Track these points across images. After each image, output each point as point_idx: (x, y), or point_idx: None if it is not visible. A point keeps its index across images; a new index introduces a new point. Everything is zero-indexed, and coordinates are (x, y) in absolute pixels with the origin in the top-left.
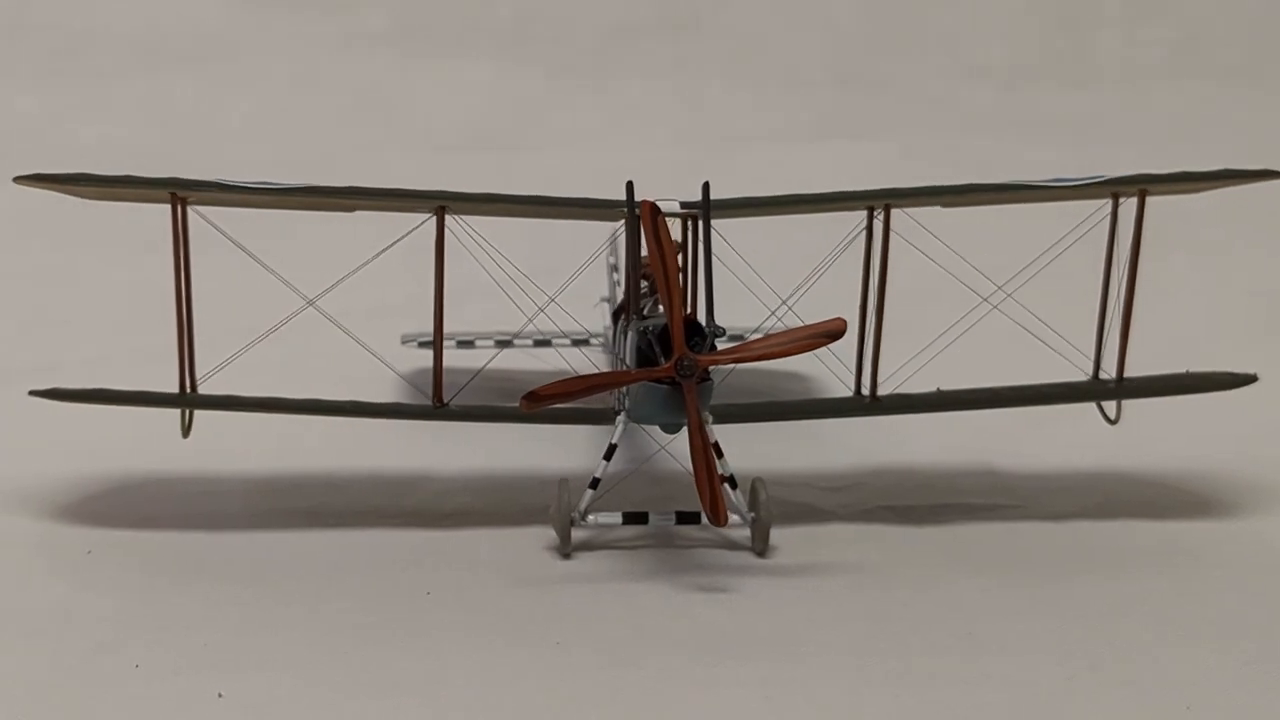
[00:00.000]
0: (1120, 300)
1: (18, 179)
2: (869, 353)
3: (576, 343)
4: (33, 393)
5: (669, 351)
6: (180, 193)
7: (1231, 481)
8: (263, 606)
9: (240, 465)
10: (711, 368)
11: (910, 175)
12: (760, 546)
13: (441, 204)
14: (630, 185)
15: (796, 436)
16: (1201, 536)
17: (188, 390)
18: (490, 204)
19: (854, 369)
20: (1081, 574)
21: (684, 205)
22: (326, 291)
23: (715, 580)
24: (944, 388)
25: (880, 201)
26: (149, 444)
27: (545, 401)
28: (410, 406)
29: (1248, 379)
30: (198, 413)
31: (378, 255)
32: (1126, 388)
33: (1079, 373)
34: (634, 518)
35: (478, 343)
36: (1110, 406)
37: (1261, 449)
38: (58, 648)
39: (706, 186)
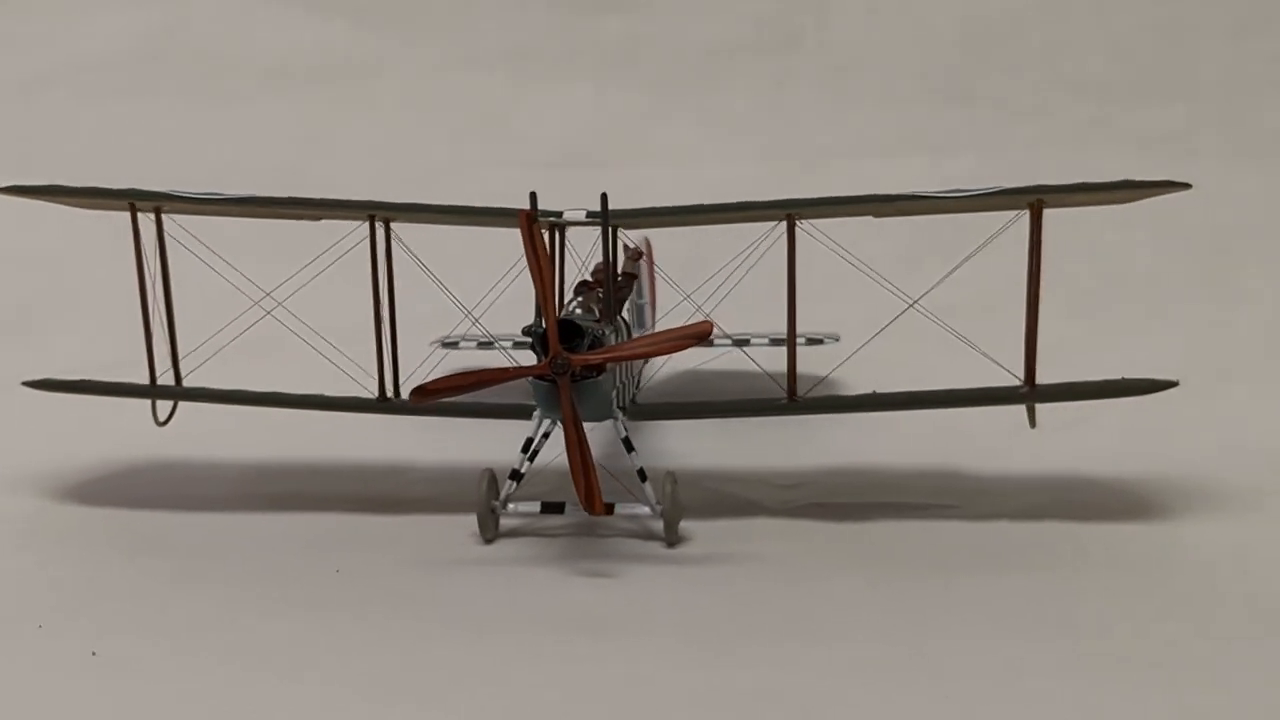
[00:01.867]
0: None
1: (4, 189)
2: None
3: None
4: (25, 383)
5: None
6: (137, 202)
7: (1165, 486)
8: (177, 580)
9: (229, 453)
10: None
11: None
12: (670, 537)
13: (372, 213)
14: (533, 196)
15: (774, 434)
16: (1110, 538)
17: (156, 383)
18: (421, 214)
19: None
20: (966, 572)
21: (589, 215)
22: (282, 289)
23: (606, 566)
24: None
25: (784, 212)
26: (151, 433)
27: (434, 395)
28: (354, 399)
29: (1167, 384)
30: (192, 405)
31: (315, 260)
32: (1040, 393)
33: (1011, 378)
34: (551, 507)
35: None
36: (1038, 410)
37: (1203, 453)
38: None
39: (604, 198)
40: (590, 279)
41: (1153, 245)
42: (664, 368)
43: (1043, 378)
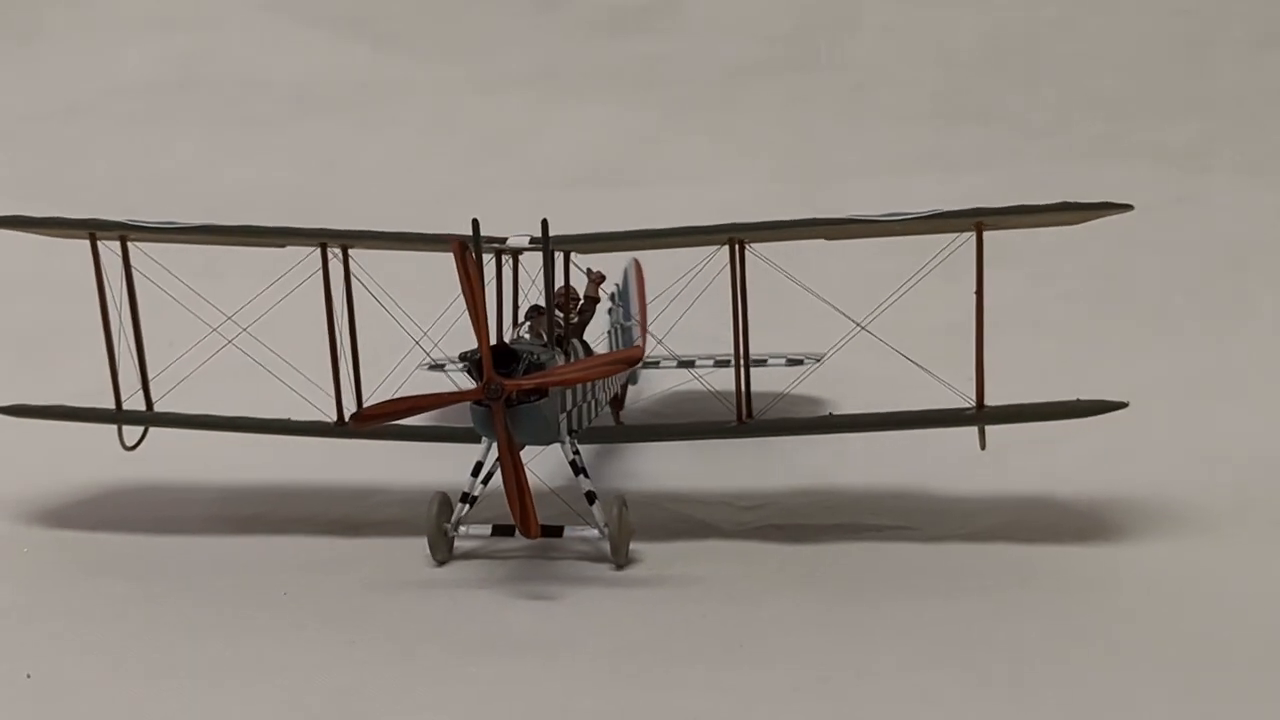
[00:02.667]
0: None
1: None
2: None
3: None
4: (3, 410)
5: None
6: (97, 232)
7: (1128, 508)
8: (128, 602)
9: (198, 477)
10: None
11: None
12: (618, 559)
13: (324, 241)
14: (476, 223)
15: (745, 456)
16: (1060, 560)
17: (123, 408)
18: (370, 240)
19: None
20: (905, 595)
21: (532, 241)
22: (249, 316)
23: (550, 589)
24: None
25: (726, 236)
26: (124, 458)
27: (372, 421)
28: (314, 424)
29: (1117, 405)
30: (164, 430)
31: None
32: (988, 415)
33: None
34: (502, 530)
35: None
36: (988, 432)
37: (1177, 474)
38: None
39: (545, 224)
40: (541, 305)
41: (1161, 262)
42: (657, 389)
43: (1036, 398)
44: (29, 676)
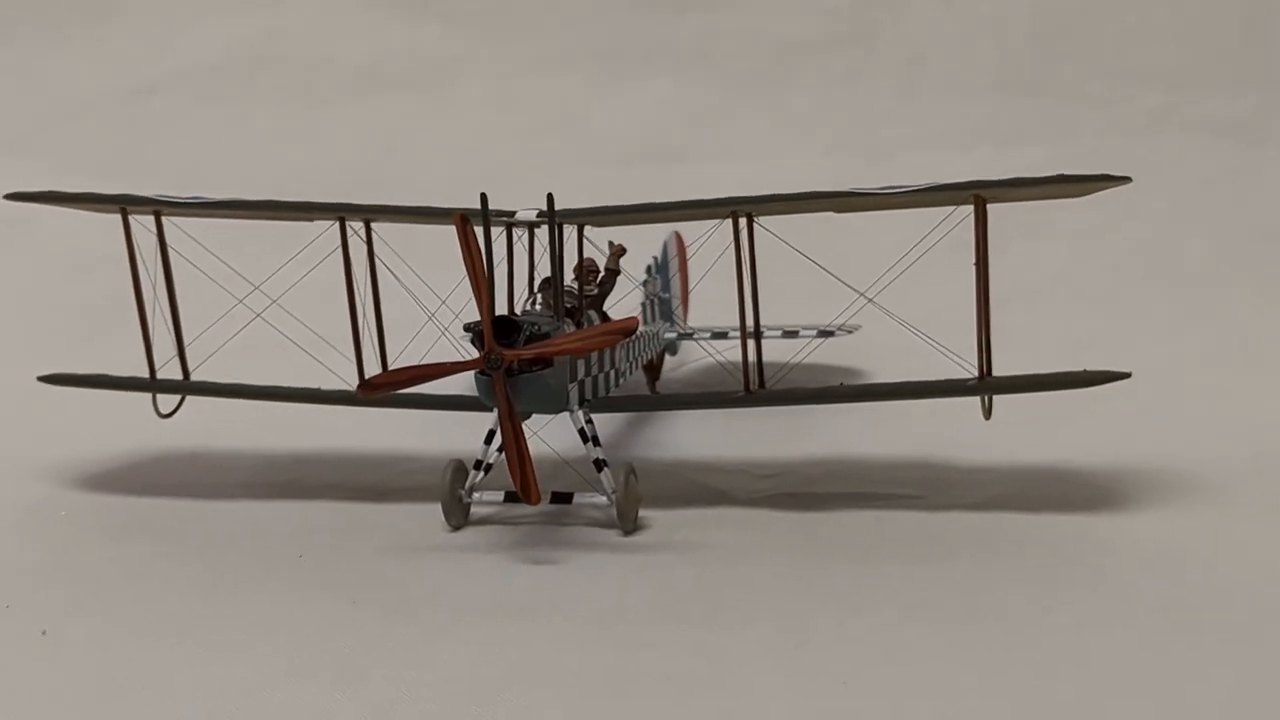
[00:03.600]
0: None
1: (8, 195)
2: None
3: None
4: (40, 378)
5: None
6: (128, 207)
7: (1135, 480)
8: (144, 562)
9: (236, 444)
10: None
11: None
12: (625, 525)
13: (342, 215)
14: (484, 196)
15: (774, 425)
16: (1057, 529)
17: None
18: (386, 215)
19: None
20: (898, 560)
21: (539, 214)
22: (278, 289)
23: (553, 554)
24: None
25: (729, 209)
26: (164, 425)
27: (379, 389)
28: (337, 393)
29: (1120, 376)
30: (213, 402)
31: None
32: (990, 385)
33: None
34: (514, 496)
35: None
36: (1006, 402)
37: (1196, 447)
38: None
39: (550, 198)
40: (573, 274)
41: (1212, 234)
42: (701, 360)
43: (1072, 368)
44: (44, 633)
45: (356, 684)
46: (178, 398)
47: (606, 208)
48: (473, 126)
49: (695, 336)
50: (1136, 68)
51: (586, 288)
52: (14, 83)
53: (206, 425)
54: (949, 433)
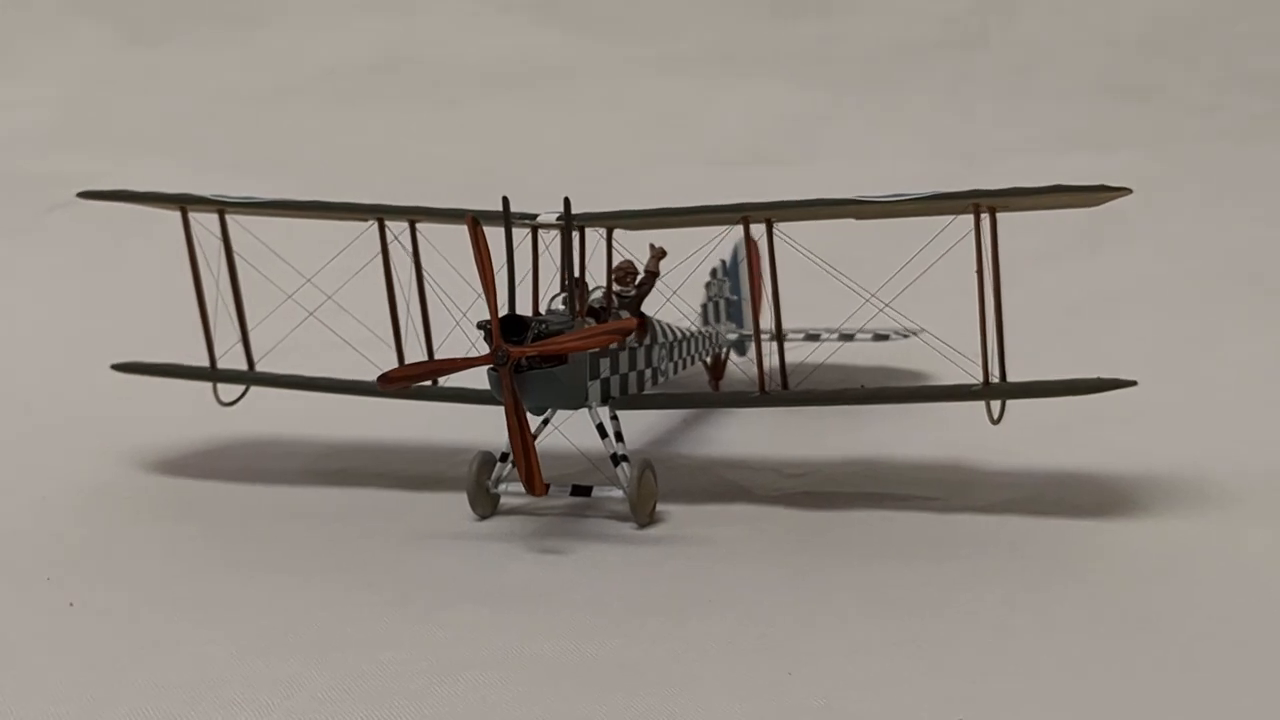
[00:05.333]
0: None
1: (80, 194)
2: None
3: None
4: (113, 366)
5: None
6: (187, 205)
7: (1156, 487)
8: (179, 542)
9: (308, 433)
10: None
11: (1155, 185)
12: (639, 519)
13: (380, 215)
14: (506, 200)
15: (818, 425)
16: (1057, 534)
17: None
18: (420, 216)
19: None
20: (887, 559)
21: (559, 218)
22: (335, 285)
23: (563, 544)
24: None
25: (740, 214)
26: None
27: (397, 383)
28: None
29: (1125, 383)
30: (270, 391)
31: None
32: (994, 390)
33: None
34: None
35: None
36: (995, 407)
37: (1223, 457)
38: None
39: (567, 201)
40: (617, 274)
41: None
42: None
43: (1140, 374)
44: (71, 605)
45: (331, 659)
46: (240, 388)
47: (623, 212)
48: (588, 127)
49: (739, 338)
50: (1242, 74)
51: (624, 289)
52: (168, 82)
53: (279, 413)
54: (983, 437)
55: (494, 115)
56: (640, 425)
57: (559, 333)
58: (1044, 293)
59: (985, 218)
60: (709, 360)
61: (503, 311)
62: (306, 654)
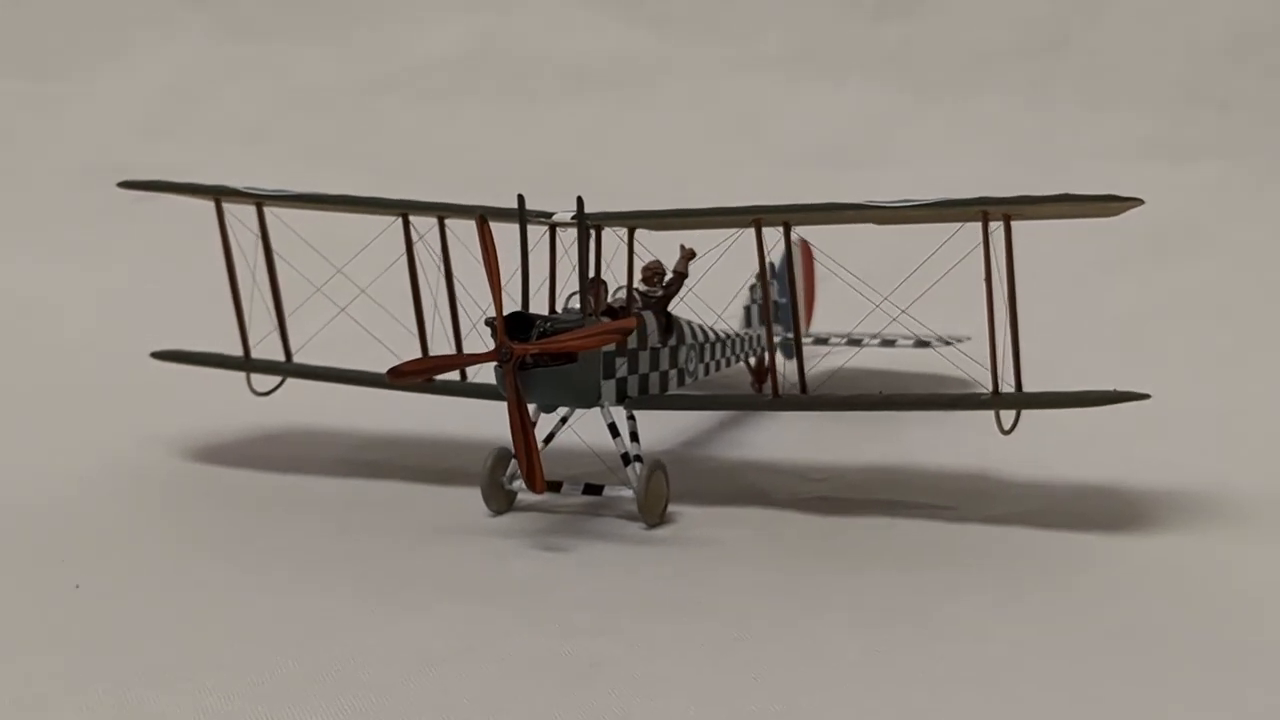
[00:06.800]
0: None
1: (120, 184)
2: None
3: None
4: (153, 354)
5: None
6: (222, 197)
7: (1168, 501)
8: (197, 528)
9: (348, 425)
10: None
11: (1231, 194)
12: (648, 519)
13: (404, 212)
14: (521, 198)
15: (856, 431)
16: (1058, 546)
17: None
18: (446, 212)
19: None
20: (878, 567)
21: (573, 217)
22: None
23: (566, 542)
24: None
25: (751, 217)
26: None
27: (407, 377)
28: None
29: (1137, 396)
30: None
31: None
32: (1003, 400)
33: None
34: (551, 486)
35: None
36: (1005, 416)
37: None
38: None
39: (580, 201)
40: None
41: None
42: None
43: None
44: (78, 587)
45: (310, 648)
46: (274, 379)
47: (636, 212)
48: (671, 126)
49: (816, 344)
50: None
51: (651, 289)
52: (264, 76)
53: (321, 404)
54: (1014, 447)
55: (576, 113)
56: (676, 426)
57: (564, 331)
58: (1104, 301)
59: (999, 225)
60: (752, 363)
61: (519, 309)
62: (286, 642)
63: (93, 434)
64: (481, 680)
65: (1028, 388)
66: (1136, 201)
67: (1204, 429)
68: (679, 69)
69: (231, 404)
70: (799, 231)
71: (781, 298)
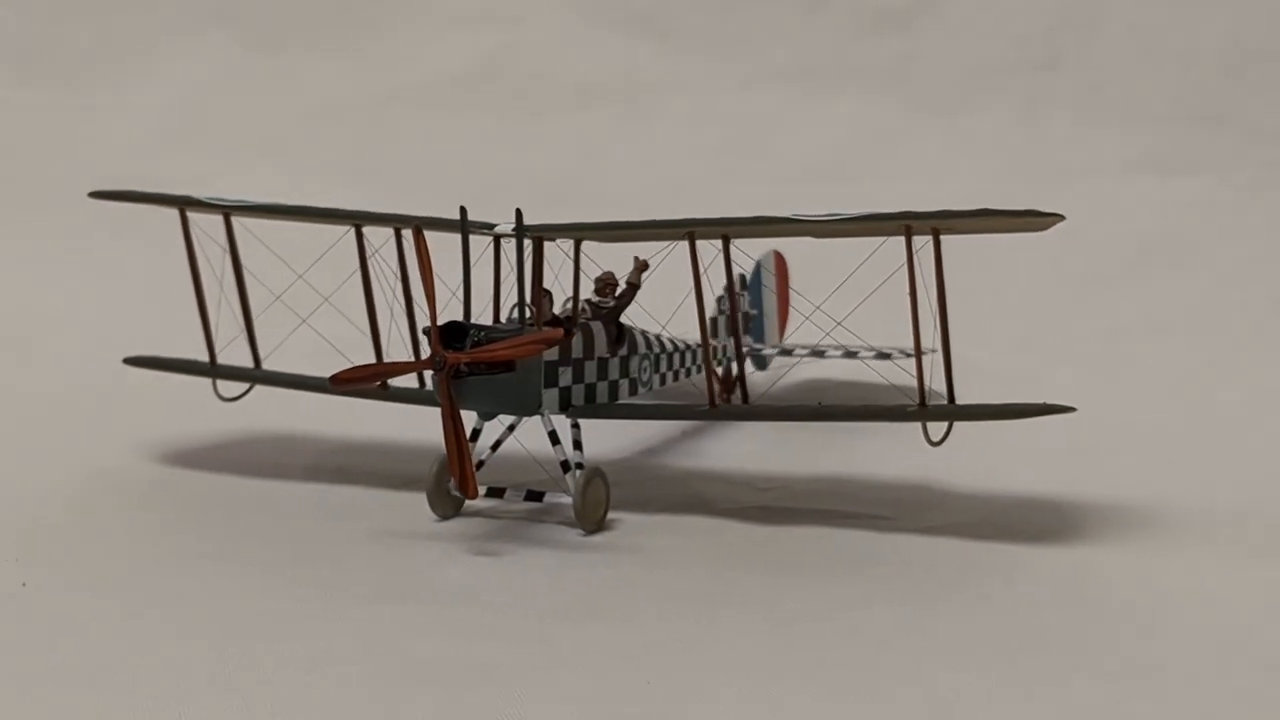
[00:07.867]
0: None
1: (91, 194)
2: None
3: None
4: (126, 360)
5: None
6: (186, 207)
7: (1109, 515)
8: (145, 530)
9: (318, 431)
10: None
11: (1221, 211)
12: (585, 526)
13: (358, 223)
14: (463, 210)
15: (815, 441)
16: (982, 557)
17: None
18: (402, 224)
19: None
20: (799, 575)
21: (514, 229)
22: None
23: (500, 546)
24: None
25: (685, 230)
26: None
27: (346, 384)
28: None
29: (1062, 409)
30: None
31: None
32: (930, 413)
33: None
34: (493, 492)
35: None
36: (934, 428)
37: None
38: None
39: (519, 213)
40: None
41: None
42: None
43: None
44: (24, 585)
45: (229, 648)
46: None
47: (576, 224)
48: (667, 142)
49: (781, 354)
50: None
51: (603, 300)
52: (278, 88)
53: (295, 410)
54: (970, 459)
55: (579, 129)
56: (637, 435)
57: (497, 340)
58: (1088, 314)
59: (927, 239)
60: (720, 374)
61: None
62: (210, 641)
63: (61, 438)
64: (377, 682)
65: (1012, 399)
66: (1058, 217)
67: (1164, 445)
68: (679, 85)
69: (203, 410)
70: (770, 244)
71: (753, 309)
